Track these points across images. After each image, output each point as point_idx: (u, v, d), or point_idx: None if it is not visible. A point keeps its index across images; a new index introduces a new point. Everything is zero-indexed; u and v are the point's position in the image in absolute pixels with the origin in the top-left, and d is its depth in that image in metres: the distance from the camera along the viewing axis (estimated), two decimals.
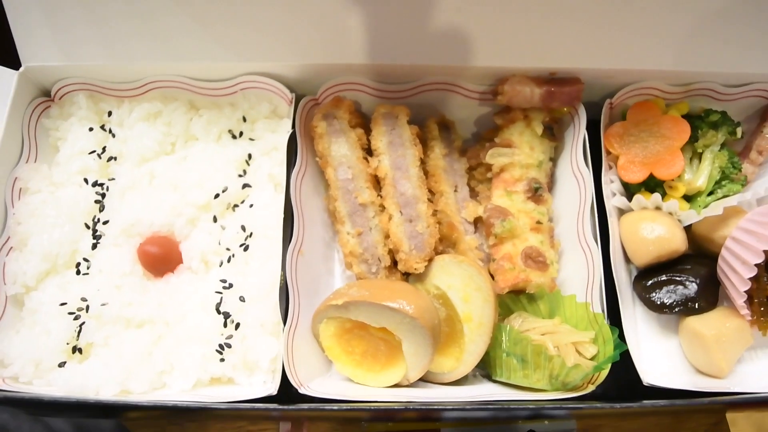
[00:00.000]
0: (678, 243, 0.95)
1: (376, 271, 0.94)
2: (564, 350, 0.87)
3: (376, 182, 0.99)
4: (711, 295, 0.96)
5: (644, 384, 0.86)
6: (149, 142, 1.01)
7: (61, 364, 0.90)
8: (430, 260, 0.93)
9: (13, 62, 0.99)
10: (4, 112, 0.97)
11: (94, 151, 1.02)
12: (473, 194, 1.04)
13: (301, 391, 0.84)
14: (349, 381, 0.92)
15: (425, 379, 0.94)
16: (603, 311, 0.89)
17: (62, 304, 0.93)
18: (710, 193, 1.00)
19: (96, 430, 1.16)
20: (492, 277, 0.94)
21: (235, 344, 0.90)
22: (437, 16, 0.89)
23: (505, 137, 1.00)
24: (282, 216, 0.92)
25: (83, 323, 0.92)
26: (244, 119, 1.03)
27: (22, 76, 0.99)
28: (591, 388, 0.87)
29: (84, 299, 0.93)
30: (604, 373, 0.86)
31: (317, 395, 0.83)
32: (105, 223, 0.98)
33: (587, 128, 0.99)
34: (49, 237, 0.96)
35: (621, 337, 0.87)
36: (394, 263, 0.96)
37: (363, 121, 1.03)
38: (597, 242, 0.92)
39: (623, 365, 0.86)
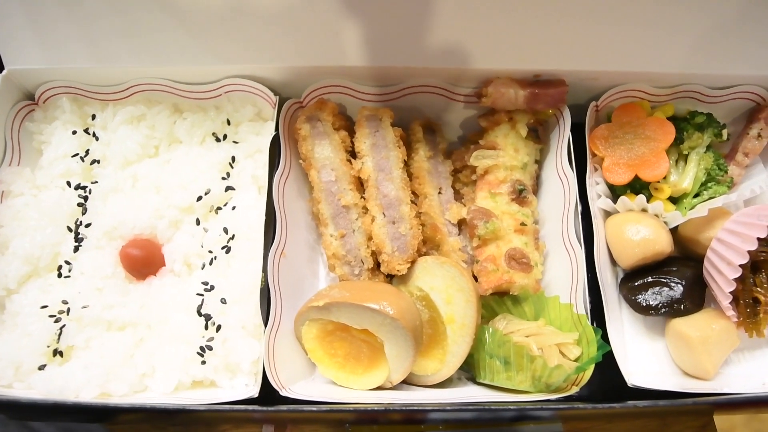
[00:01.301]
0: (663, 244, 0.94)
1: (359, 273, 0.94)
2: (548, 352, 0.86)
3: (360, 184, 0.98)
4: (697, 296, 0.96)
5: (629, 385, 0.85)
6: (132, 145, 1.00)
7: (41, 367, 0.90)
8: (413, 262, 0.93)
9: None
10: None
11: (77, 155, 1.02)
12: (458, 197, 1.03)
13: (283, 393, 0.84)
14: (332, 384, 0.91)
15: (409, 382, 0.93)
16: (586, 313, 0.89)
17: (43, 307, 0.92)
18: (696, 195, 0.99)
19: None
20: (475, 278, 0.94)
21: (216, 346, 0.90)
22: (421, 18, 0.89)
23: (490, 139, 0.99)
24: (263, 218, 0.91)
25: (64, 326, 0.92)
26: (228, 122, 1.03)
27: (5, 78, 0.99)
28: (575, 389, 0.86)
29: (65, 302, 0.93)
30: (588, 374, 0.85)
31: (299, 397, 0.82)
32: (87, 225, 0.98)
33: (573, 131, 0.99)
34: (31, 240, 0.96)
35: (605, 338, 0.87)
36: (377, 265, 0.95)
37: (347, 124, 1.03)
38: (581, 244, 0.91)
39: (610, 368, 0.86)
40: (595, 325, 0.88)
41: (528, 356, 0.84)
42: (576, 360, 0.87)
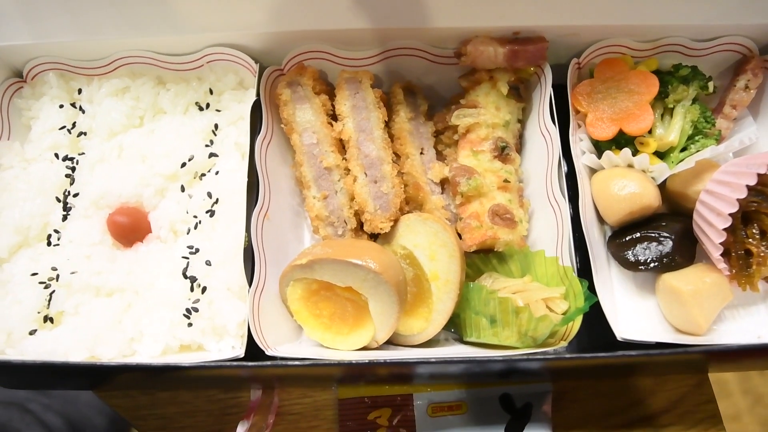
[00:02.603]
0: (650, 198, 0.93)
1: (343, 234, 0.94)
2: (534, 306, 0.85)
3: (342, 146, 0.99)
4: (687, 251, 0.94)
5: (618, 339, 0.84)
6: (117, 116, 1.02)
7: (32, 332, 0.91)
8: (396, 220, 0.92)
9: None
10: None
11: (65, 127, 1.03)
12: (441, 158, 1.03)
13: (268, 352, 0.84)
14: (319, 346, 0.91)
15: (395, 343, 0.93)
16: (573, 266, 0.88)
17: (33, 275, 0.94)
18: (683, 150, 0.98)
19: (88, 425, 1.16)
20: (460, 236, 0.93)
21: (202, 308, 0.90)
22: None
23: (471, 98, 0.99)
24: (246, 179, 0.92)
25: (53, 292, 0.93)
26: (211, 91, 1.04)
27: None
28: (563, 344, 0.85)
29: (54, 269, 0.94)
30: (576, 326, 0.84)
31: (285, 356, 0.82)
32: (75, 195, 1.00)
33: (556, 90, 0.98)
34: (21, 210, 0.97)
35: (592, 290, 0.85)
36: (361, 225, 0.95)
37: (328, 89, 1.03)
38: (565, 198, 0.90)
39: (600, 325, 0.84)
40: (582, 279, 0.87)
41: (513, 310, 0.83)
42: (563, 314, 0.86)
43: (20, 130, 1.06)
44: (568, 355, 0.80)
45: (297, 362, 0.79)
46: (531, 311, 0.82)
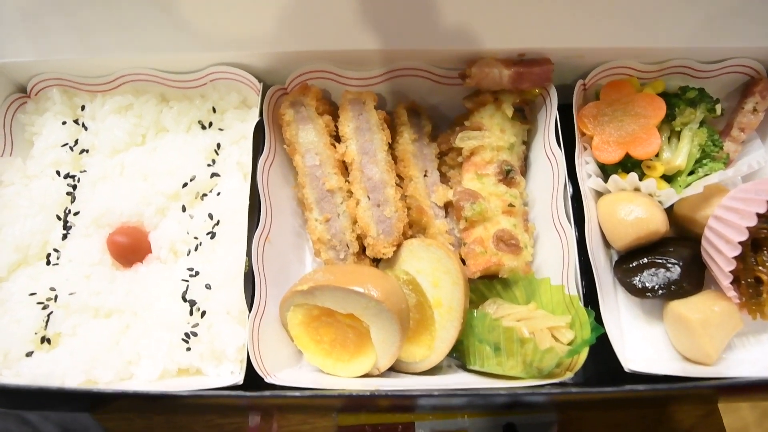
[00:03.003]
0: (658, 223, 0.91)
1: (345, 258, 0.92)
2: (540, 336, 0.83)
3: (345, 168, 0.98)
4: (695, 277, 0.92)
5: (626, 370, 0.82)
6: (120, 133, 1.01)
7: (29, 354, 0.90)
8: (399, 245, 0.91)
9: None
10: None
11: (67, 144, 1.03)
12: (445, 180, 1.02)
13: (268, 380, 0.82)
14: (319, 372, 0.89)
15: (397, 370, 0.91)
16: (579, 294, 0.86)
17: (31, 294, 0.93)
18: (691, 173, 0.96)
19: None
20: (463, 262, 0.92)
21: (201, 332, 0.89)
22: (403, 0, 0.88)
23: (475, 120, 0.98)
24: (248, 201, 0.91)
25: (51, 313, 0.92)
26: (214, 110, 1.04)
27: None
28: (569, 374, 0.83)
29: (53, 289, 0.93)
30: (582, 358, 0.82)
31: (285, 384, 0.81)
32: (76, 214, 0.99)
33: (562, 112, 0.97)
34: (21, 228, 0.97)
35: (599, 320, 0.83)
36: (363, 249, 0.94)
37: (331, 109, 1.03)
38: (571, 223, 0.89)
39: (606, 354, 0.82)
40: (588, 308, 0.85)
41: (518, 340, 0.81)
42: (569, 344, 0.84)
43: (23, 146, 1.06)
44: (574, 389, 0.78)
45: (297, 393, 0.77)
46: (537, 343, 0.80)
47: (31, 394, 0.83)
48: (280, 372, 0.86)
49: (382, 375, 0.88)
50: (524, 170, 1.02)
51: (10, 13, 0.96)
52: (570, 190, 0.93)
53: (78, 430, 1.15)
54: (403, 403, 0.85)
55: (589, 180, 0.97)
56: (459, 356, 0.92)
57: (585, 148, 0.98)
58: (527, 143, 1.02)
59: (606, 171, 0.98)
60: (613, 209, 0.94)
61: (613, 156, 0.95)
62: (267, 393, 0.80)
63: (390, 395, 0.80)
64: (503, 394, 0.78)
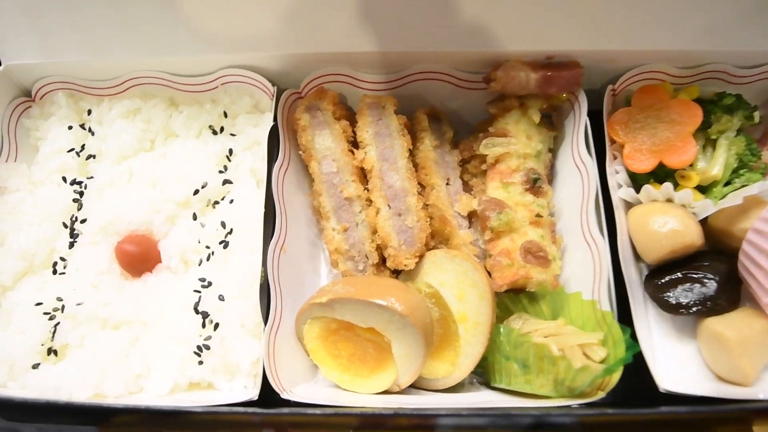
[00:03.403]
0: (693, 236, 0.87)
1: (364, 269, 0.88)
2: (570, 353, 0.79)
3: (363, 175, 0.94)
4: (732, 293, 0.88)
5: (661, 391, 0.78)
6: (128, 138, 0.98)
7: (36, 366, 0.87)
8: (421, 256, 0.87)
9: None
10: None
11: (73, 150, 1.00)
12: (467, 188, 0.98)
13: (284, 395, 0.79)
14: (335, 387, 0.86)
15: (418, 386, 0.87)
16: (612, 310, 0.81)
17: (38, 304, 0.90)
18: (727, 184, 0.92)
19: None
20: (489, 274, 0.87)
21: (214, 346, 0.85)
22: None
23: (500, 126, 0.94)
24: (263, 209, 0.87)
25: (58, 323, 0.89)
26: (225, 114, 1.00)
27: (2, 74, 0.98)
28: (600, 394, 0.79)
29: (60, 299, 0.90)
30: (616, 377, 0.78)
31: (301, 400, 0.77)
32: (83, 221, 0.95)
33: (589, 119, 0.92)
34: (27, 236, 0.93)
35: (633, 337, 0.79)
36: (383, 260, 0.90)
37: (348, 114, 0.99)
38: (604, 236, 0.84)
39: (635, 372, 0.78)
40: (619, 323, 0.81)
41: (549, 358, 0.77)
42: (601, 362, 0.79)
43: (27, 151, 1.02)
44: (610, 410, 0.74)
45: (318, 411, 0.74)
46: (570, 361, 0.76)
47: (38, 408, 0.79)
48: (295, 387, 0.82)
49: (401, 392, 0.84)
50: (550, 179, 0.97)
51: (14, 13, 0.92)
52: (600, 197, 0.89)
53: None
54: (426, 422, 0.81)
55: (619, 190, 0.92)
56: (483, 373, 0.88)
57: (615, 157, 0.94)
58: (553, 151, 0.98)
59: (636, 180, 0.94)
60: (645, 221, 0.89)
61: (645, 165, 0.91)
62: (285, 410, 0.76)
63: (414, 414, 0.75)
64: (532, 414, 0.73)
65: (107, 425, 0.95)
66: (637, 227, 0.91)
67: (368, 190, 0.91)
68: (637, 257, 0.94)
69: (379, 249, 0.89)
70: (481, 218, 0.89)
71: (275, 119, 0.94)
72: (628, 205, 0.95)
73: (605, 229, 0.85)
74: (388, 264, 0.88)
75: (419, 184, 0.93)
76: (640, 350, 0.78)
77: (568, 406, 0.75)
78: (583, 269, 0.87)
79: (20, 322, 0.89)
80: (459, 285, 0.84)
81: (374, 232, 0.89)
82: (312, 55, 0.93)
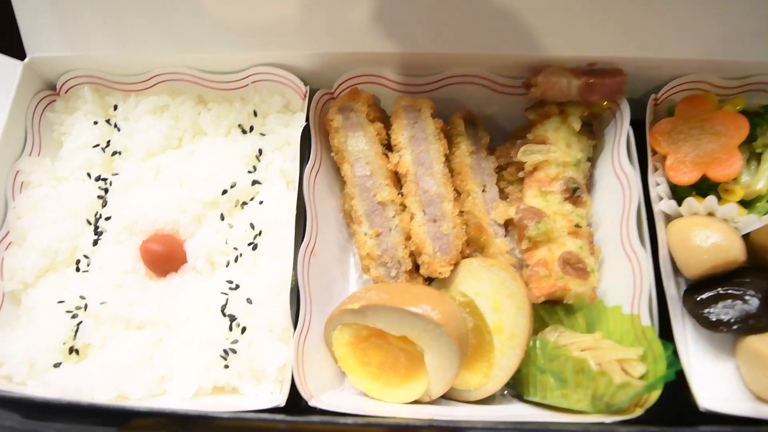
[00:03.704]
0: (736, 252, 0.84)
1: (396, 275, 0.86)
2: (608, 368, 0.76)
3: (397, 180, 0.91)
4: None
5: (700, 410, 0.75)
6: (155, 135, 0.96)
7: (57, 365, 0.85)
8: (456, 264, 0.85)
9: (18, 52, 0.95)
10: (7, 103, 0.93)
11: (98, 145, 0.98)
12: (503, 196, 0.95)
13: (311, 403, 0.77)
14: (363, 396, 0.84)
15: (449, 397, 0.85)
16: (653, 325, 0.79)
17: (60, 302, 0.88)
18: None
19: None
20: (525, 284, 0.85)
21: (240, 350, 0.83)
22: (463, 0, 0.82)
23: (539, 133, 0.91)
24: (294, 212, 0.85)
25: (81, 322, 0.87)
26: (255, 113, 0.98)
27: (26, 67, 0.96)
28: (639, 411, 0.76)
29: (83, 297, 0.88)
30: (655, 394, 0.76)
31: (329, 408, 0.75)
32: (107, 219, 0.93)
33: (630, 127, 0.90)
34: (50, 232, 0.91)
35: (675, 354, 0.77)
36: (416, 267, 0.87)
37: (382, 117, 0.96)
38: (646, 249, 0.82)
39: (670, 389, 0.76)
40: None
41: (589, 372, 0.74)
42: (640, 378, 0.77)
43: (51, 146, 1.00)
44: (653, 429, 0.71)
45: (348, 420, 0.71)
46: (611, 377, 0.73)
47: (59, 408, 0.77)
48: (322, 395, 0.80)
49: (432, 402, 0.82)
50: (588, 189, 0.95)
51: (39, 3, 0.90)
52: (643, 209, 0.86)
53: None
54: None
55: (661, 202, 0.90)
56: (515, 385, 0.86)
57: (656, 168, 0.92)
58: (591, 160, 0.95)
59: (677, 193, 0.92)
60: (687, 234, 0.87)
61: (688, 177, 0.88)
62: (315, 418, 0.74)
63: (447, 426, 0.73)
64: (580, 431, 0.71)
65: (129, 428, 0.93)
66: (677, 241, 0.88)
67: (402, 195, 0.89)
68: (675, 272, 0.91)
69: (413, 255, 0.87)
70: (518, 227, 0.87)
71: (307, 119, 0.91)
72: (667, 218, 0.92)
73: (648, 241, 0.83)
74: (421, 271, 0.86)
75: (454, 189, 0.91)
76: (681, 368, 0.76)
77: (609, 423, 0.73)
78: (621, 282, 0.85)
79: (42, 320, 0.87)
80: (495, 295, 0.81)
81: (408, 238, 0.87)
82: (346, 55, 0.90)
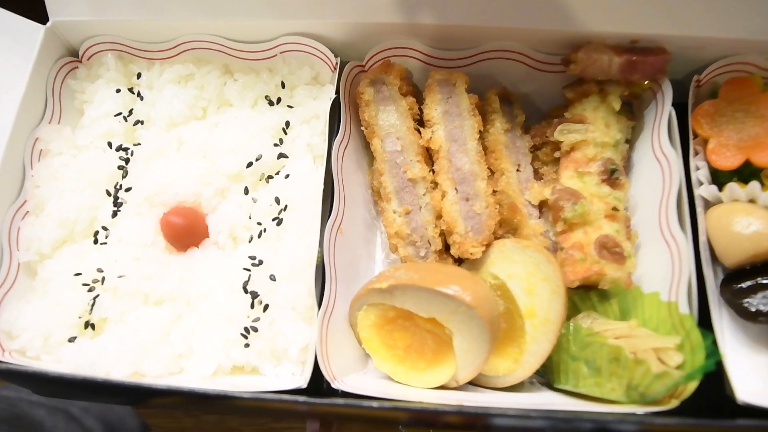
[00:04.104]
0: None
1: (425, 255, 0.83)
2: (644, 357, 0.74)
3: (428, 156, 0.88)
4: None
5: (738, 403, 0.72)
6: (179, 105, 0.93)
7: (72, 339, 0.83)
8: (488, 245, 0.82)
9: (41, 16, 0.92)
10: (27, 68, 0.91)
11: (120, 114, 0.95)
12: (537, 177, 0.92)
13: (335, 385, 0.74)
14: (388, 379, 0.81)
15: (475, 383, 0.82)
16: (692, 313, 0.76)
17: (77, 275, 0.85)
18: None
19: (122, 426, 1.11)
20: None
21: (262, 328, 0.81)
22: None
23: (577, 112, 0.88)
24: (322, 187, 0.82)
25: (98, 296, 0.84)
26: (283, 85, 0.95)
27: (48, 31, 0.93)
28: (674, 402, 0.73)
29: (100, 270, 0.85)
30: (692, 385, 0.72)
31: (353, 391, 0.72)
32: (128, 190, 0.91)
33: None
34: (68, 202, 0.89)
35: (715, 344, 0.74)
36: (446, 247, 0.85)
37: (415, 91, 0.93)
38: (687, 235, 0.79)
39: (703, 381, 0.73)
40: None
41: (625, 361, 0.72)
42: (677, 368, 0.74)
43: (71, 115, 0.97)
44: (690, 420, 0.68)
45: (374, 403, 0.69)
46: (649, 366, 0.71)
47: (75, 384, 0.75)
48: (345, 377, 0.78)
49: (458, 388, 0.80)
50: (625, 171, 0.91)
51: None
52: (685, 193, 0.82)
53: (115, 421, 1.10)
54: (487, 421, 0.76)
55: (701, 187, 0.87)
56: (544, 372, 0.83)
57: (696, 152, 0.88)
58: (630, 142, 0.92)
59: (718, 178, 0.88)
60: (727, 221, 0.83)
61: (731, 162, 0.85)
62: (338, 401, 0.71)
63: (477, 413, 0.70)
64: (636, 421, 0.68)
65: (146, 405, 0.91)
66: (717, 228, 0.85)
67: (433, 172, 0.86)
68: (713, 259, 0.88)
69: (443, 235, 0.84)
70: (553, 208, 0.83)
71: (337, 92, 0.88)
72: (706, 204, 0.89)
73: (689, 227, 0.80)
74: (452, 251, 0.83)
75: (488, 168, 0.88)
76: (721, 358, 0.73)
77: (644, 414, 0.70)
78: (658, 269, 0.81)
79: (57, 293, 0.85)
80: (529, 278, 0.79)
81: (438, 216, 0.84)
82: (378, 26, 0.87)
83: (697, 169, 0.87)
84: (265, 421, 0.90)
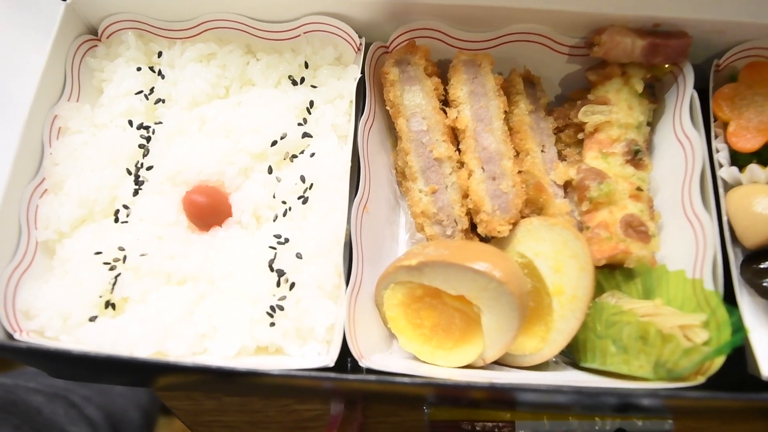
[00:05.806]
0: None
1: (452, 234, 0.83)
2: (671, 333, 0.74)
3: (454, 136, 0.88)
4: None
5: (763, 379, 0.73)
6: (201, 83, 0.92)
7: (92, 319, 0.81)
8: (515, 223, 0.82)
9: None
10: (46, 44, 0.89)
11: (141, 92, 0.93)
12: (560, 157, 0.93)
13: (362, 363, 0.73)
14: (414, 360, 0.81)
15: (501, 363, 0.82)
16: (718, 290, 0.77)
17: (97, 254, 0.84)
18: None
19: (124, 419, 1.09)
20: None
21: (288, 307, 0.80)
22: None
23: (600, 95, 0.89)
24: (349, 165, 0.82)
25: (119, 275, 0.83)
26: (306, 65, 0.94)
27: (68, 8, 0.92)
28: (701, 379, 0.74)
29: (121, 249, 0.84)
30: (719, 361, 0.73)
31: (381, 369, 0.72)
32: (149, 168, 0.89)
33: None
34: (88, 181, 0.87)
35: (740, 320, 0.75)
36: (472, 226, 0.85)
37: (439, 72, 0.93)
38: (711, 215, 0.80)
39: (726, 359, 0.74)
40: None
41: (654, 338, 0.72)
42: (704, 345, 0.75)
43: (90, 93, 0.96)
44: (721, 394, 0.69)
45: (406, 380, 0.68)
46: (679, 341, 0.71)
47: (98, 363, 0.73)
48: (372, 356, 0.77)
49: (484, 367, 0.80)
50: (648, 153, 0.93)
51: None
52: (708, 174, 0.83)
53: (117, 412, 1.08)
54: (516, 397, 0.76)
55: (721, 169, 0.88)
56: (569, 353, 0.83)
57: (716, 135, 0.89)
58: (651, 124, 0.93)
59: (738, 160, 0.89)
60: (748, 202, 0.85)
61: (751, 144, 0.86)
62: (371, 377, 0.71)
63: (512, 388, 0.70)
64: (653, 394, 0.69)
65: (168, 387, 0.90)
66: (738, 209, 0.86)
67: (459, 152, 0.86)
68: (733, 240, 0.89)
69: (469, 214, 0.84)
70: (579, 188, 0.84)
71: (362, 72, 0.88)
72: (726, 186, 0.90)
73: (713, 206, 0.81)
74: (479, 230, 0.83)
75: (513, 149, 0.88)
76: (748, 333, 0.74)
77: (675, 388, 0.70)
78: (682, 249, 0.82)
79: (77, 272, 0.83)
80: (556, 256, 0.79)
81: (464, 196, 0.84)
82: (403, 5, 0.87)
83: (718, 151, 0.89)
84: (287, 402, 0.89)
